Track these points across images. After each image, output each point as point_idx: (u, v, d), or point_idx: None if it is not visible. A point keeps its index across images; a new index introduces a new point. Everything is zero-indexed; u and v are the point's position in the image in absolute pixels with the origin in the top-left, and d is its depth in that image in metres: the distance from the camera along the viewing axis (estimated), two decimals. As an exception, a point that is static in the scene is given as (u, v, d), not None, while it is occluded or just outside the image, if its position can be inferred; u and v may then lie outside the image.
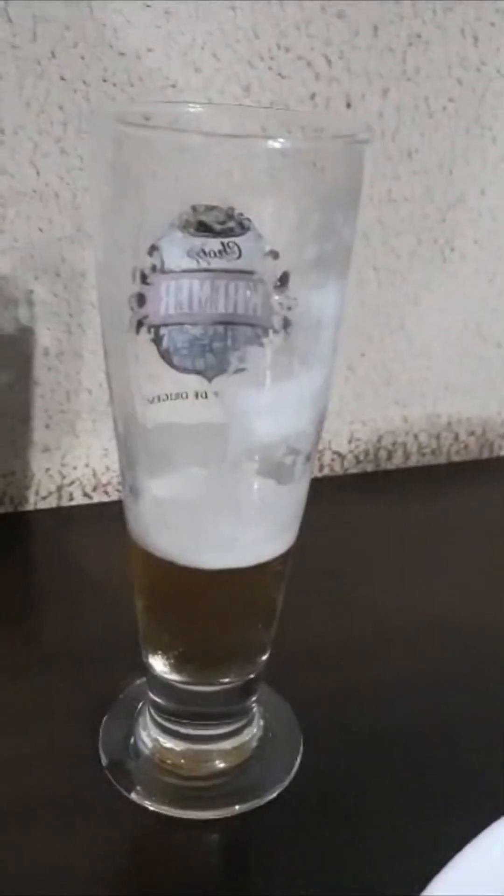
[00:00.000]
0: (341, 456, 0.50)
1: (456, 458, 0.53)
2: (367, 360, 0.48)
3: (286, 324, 0.23)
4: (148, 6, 0.37)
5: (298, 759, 0.29)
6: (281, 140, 0.20)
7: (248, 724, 0.30)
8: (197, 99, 0.38)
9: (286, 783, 0.29)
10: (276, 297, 0.23)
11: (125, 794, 0.28)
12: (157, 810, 0.27)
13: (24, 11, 0.35)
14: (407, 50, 0.41)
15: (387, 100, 0.42)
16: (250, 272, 0.23)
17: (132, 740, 0.30)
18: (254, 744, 0.30)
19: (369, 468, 0.51)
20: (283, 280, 0.23)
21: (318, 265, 0.22)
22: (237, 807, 0.28)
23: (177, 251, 0.23)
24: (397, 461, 0.51)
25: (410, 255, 0.46)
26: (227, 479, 0.24)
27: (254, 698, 0.29)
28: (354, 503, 0.48)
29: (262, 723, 0.30)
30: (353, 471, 0.51)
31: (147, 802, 0.28)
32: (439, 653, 0.36)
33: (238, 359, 0.23)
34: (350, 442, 0.50)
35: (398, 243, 0.45)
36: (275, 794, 0.28)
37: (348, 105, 0.41)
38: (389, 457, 0.51)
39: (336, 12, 0.39)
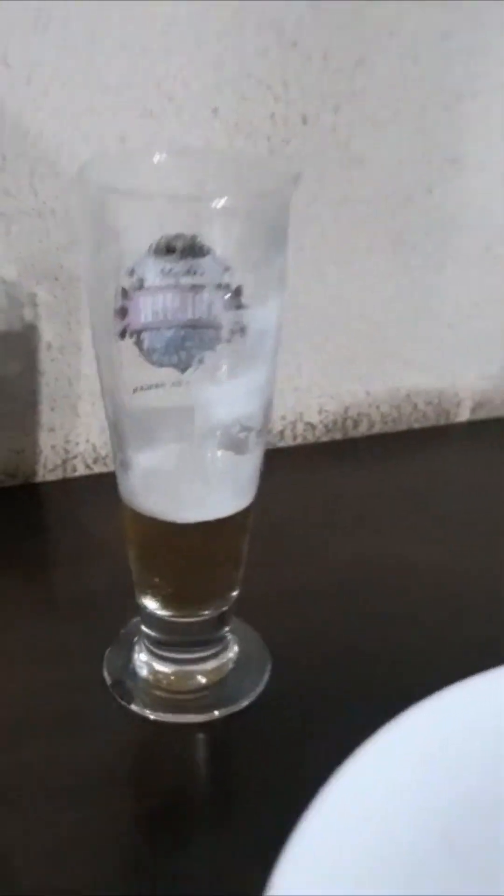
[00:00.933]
0: (312, 426, 0.57)
1: (415, 426, 0.59)
2: (331, 343, 0.54)
3: (238, 331, 0.29)
4: (125, 46, 0.43)
5: (267, 676, 0.36)
6: (224, 199, 0.27)
7: (225, 649, 0.36)
8: (171, 124, 0.44)
9: (257, 693, 0.36)
10: (230, 309, 0.29)
11: (126, 706, 0.35)
12: (152, 717, 0.34)
13: (22, 56, 0.41)
14: (354, 71, 0.47)
15: (338, 115, 0.48)
16: (210, 286, 0.29)
17: (130, 665, 0.36)
18: (230, 665, 0.36)
19: (338, 436, 0.57)
20: (237, 294, 0.30)
21: (260, 286, 0.29)
22: (216, 712, 0.35)
23: (151, 271, 0.29)
24: (362, 430, 0.58)
25: (366, 250, 0.52)
26: (196, 451, 0.31)
27: (228, 628, 0.36)
28: (325, 468, 0.55)
29: (236, 648, 0.37)
30: (324, 439, 0.57)
31: (146, 712, 0.35)
32: (394, 591, 0.42)
33: (201, 359, 0.30)
34: (320, 413, 0.56)
35: (354, 240, 0.51)
36: (248, 703, 0.35)
37: (304, 121, 0.47)
38: (355, 426, 0.58)
39: (290, 42, 0.45)
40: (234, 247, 0.28)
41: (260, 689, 0.36)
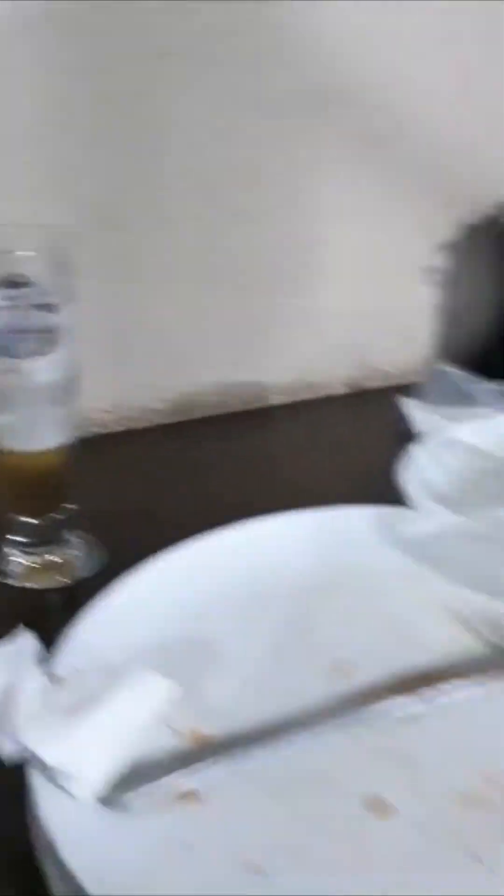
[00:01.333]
0: (160, 411, 0.76)
1: (238, 409, 0.78)
2: (172, 351, 0.74)
3: (47, 331, 0.48)
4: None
5: (100, 562, 0.55)
6: (33, 252, 0.46)
7: (69, 546, 0.55)
8: (29, 192, 0.64)
9: (92, 571, 0.54)
10: (43, 318, 0.48)
11: (4, 581, 0.53)
12: (21, 585, 0.53)
13: None
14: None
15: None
16: (36, 305, 0.49)
17: (7, 557, 0.55)
18: (75, 553, 0.55)
19: (181, 418, 0.77)
20: (49, 308, 0.49)
21: (60, 302, 0.48)
22: (66, 580, 0.53)
23: (-1, 298, 0.48)
24: (198, 413, 0.77)
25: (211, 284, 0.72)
26: (32, 407, 0.50)
27: (70, 531, 0.55)
28: (170, 441, 0.74)
29: (80, 545, 0.56)
30: (168, 421, 0.76)
31: (19, 582, 0.53)
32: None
33: (31, 349, 0.49)
34: (163, 402, 0.76)
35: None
36: (86, 576, 0.54)
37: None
38: (192, 410, 0.77)
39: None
40: (43, 279, 0.48)
41: (95, 568, 0.55)
